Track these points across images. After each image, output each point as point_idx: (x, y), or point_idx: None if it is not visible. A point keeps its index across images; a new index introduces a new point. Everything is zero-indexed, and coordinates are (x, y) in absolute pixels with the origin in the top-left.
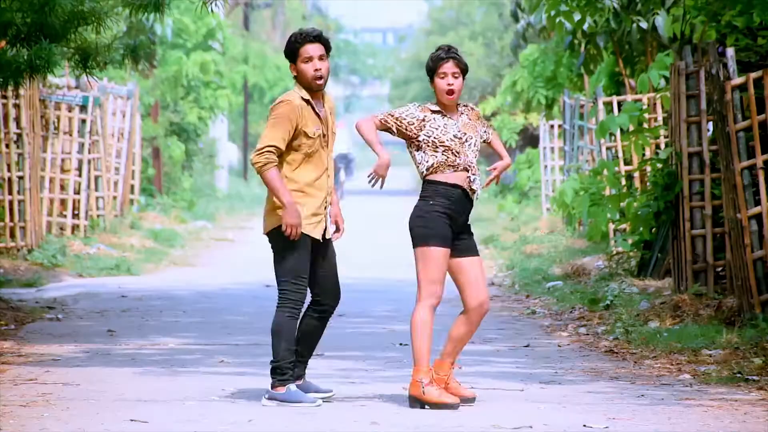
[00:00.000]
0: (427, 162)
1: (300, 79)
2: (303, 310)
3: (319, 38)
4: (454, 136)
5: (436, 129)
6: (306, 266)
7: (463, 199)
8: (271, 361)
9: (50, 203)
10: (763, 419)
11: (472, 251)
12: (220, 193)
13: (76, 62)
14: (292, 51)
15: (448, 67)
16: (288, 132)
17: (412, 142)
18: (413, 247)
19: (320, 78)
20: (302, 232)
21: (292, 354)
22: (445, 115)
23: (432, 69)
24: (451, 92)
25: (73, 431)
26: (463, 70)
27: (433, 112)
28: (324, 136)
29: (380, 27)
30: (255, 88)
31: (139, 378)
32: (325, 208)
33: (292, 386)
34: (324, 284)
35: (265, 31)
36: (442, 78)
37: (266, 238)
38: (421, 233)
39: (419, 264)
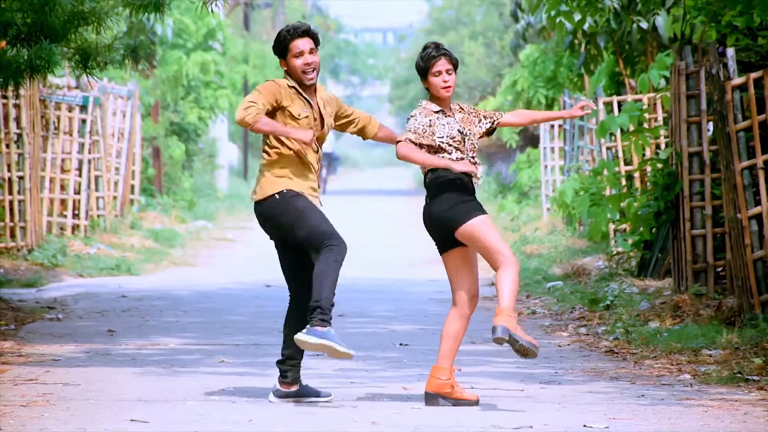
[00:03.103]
0: None
1: (290, 73)
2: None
3: (308, 32)
4: (459, 131)
5: (443, 127)
6: (324, 216)
7: (471, 186)
8: (314, 301)
9: (50, 203)
10: (763, 419)
11: None
12: (221, 193)
13: (76, 62)
14: (282, 47)
15: (442, 64)
16: (268, 101)
17: (428, 150)
18: (459, 228)
19: (311, 71)
20: (305, 195)
21: (332, 299)
22: (446, 114)
23: (425, 68)
24: (447, 88)
25: (73, 431)
26: (455, 65)
27: (435, 112)
28: (315, 120)
29: (380, 27)
30: (255, 88)
31: (139, 378)
32: (316, 191)
33: (332, 330)
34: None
35: (265, 31)
36: (437, 76)
37: (265, 221)
38: (461, 211)
39: (480, 235)
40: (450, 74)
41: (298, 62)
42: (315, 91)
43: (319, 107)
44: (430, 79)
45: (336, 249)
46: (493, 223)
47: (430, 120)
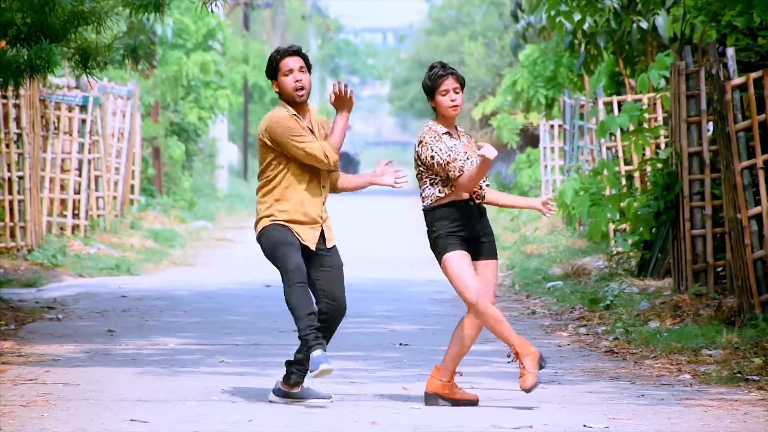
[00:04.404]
0: (439, 194)
1: (283, 93)
2: (302, 278)
3: (297, 53)
4: (464, 153)
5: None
6: (292, 242)
7: (467, 209)
8: (302, 332)
9: (50, 203)
10: (763, 419)
11: (489, 255)
12: (220, 193)
13: (76, 62)
14: (272, 67)
15: (449, 83)
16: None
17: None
18: (440, 265)
19: (301, 89)
20: (293, 231)
21: (311, 319)
22: (452, 136)
23: (432, 87)
24: (455, 107)
25: (73, 431)
26: (462, 84)
27: (443, 134)
28: None
29: (380, 27)
30: (255, 88)
31: (139, 378)
32: (321, 218)
33: (317, 352)
34: (325, 293)
35: (265, 31)
36: (444, 95)
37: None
38: (437, 249)
39: (448, 274)
40: (457, 93)
41: (288, 80)
42: (308, 112)
43: (314, 130)
44: (437, 98)
45: (287, 275)
46: (461, 259)
47: (445, 142)
